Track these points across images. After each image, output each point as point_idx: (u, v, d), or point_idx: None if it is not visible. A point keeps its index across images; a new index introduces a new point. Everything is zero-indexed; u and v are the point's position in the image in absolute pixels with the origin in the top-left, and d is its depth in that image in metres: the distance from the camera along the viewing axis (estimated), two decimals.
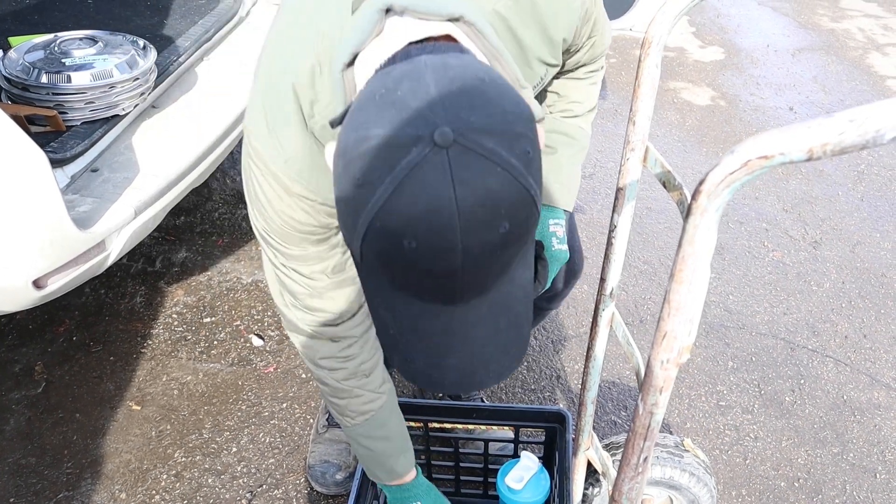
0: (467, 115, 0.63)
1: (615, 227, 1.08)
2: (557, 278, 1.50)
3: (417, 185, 0.61)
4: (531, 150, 0.67)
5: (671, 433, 1.92)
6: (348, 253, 1.09)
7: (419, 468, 1.39)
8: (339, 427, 1.78)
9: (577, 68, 1.22)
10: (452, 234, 0.62)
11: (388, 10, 0.77)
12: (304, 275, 1.06)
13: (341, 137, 0.69)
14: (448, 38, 0.77)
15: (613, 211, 1.07)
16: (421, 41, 0.75)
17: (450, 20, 0.77)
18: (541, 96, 1.25)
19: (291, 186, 0.95)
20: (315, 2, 0.90)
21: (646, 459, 0.79)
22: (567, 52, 1.08)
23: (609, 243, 1.10)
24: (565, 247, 1.27)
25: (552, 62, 1.03)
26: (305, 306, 1.10)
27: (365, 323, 1.17)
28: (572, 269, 1.53)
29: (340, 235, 1.06)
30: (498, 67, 0.78)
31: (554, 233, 1.26)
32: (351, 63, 0.78)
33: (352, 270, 1.10)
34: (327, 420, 1.80)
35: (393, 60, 0.72)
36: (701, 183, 0.57)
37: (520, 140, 0.65)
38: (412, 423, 1.62)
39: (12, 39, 2.14)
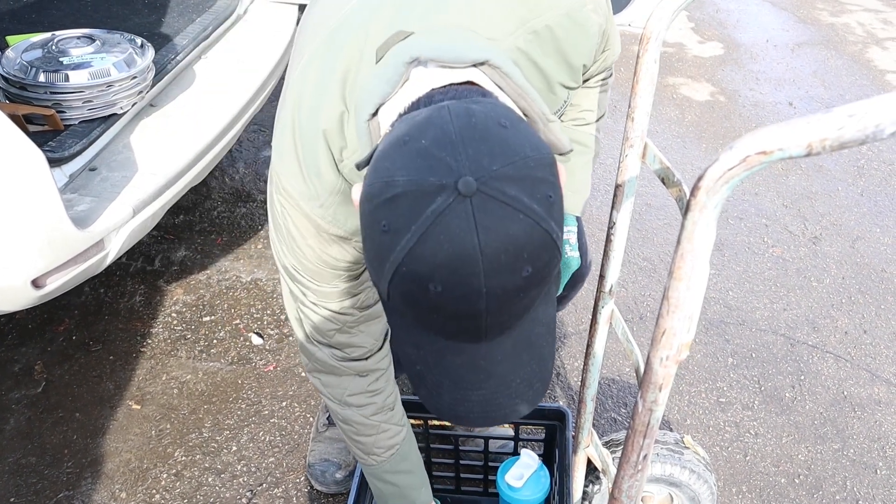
0: (489, 163, 0.65)
1: (614, 224, 1.07)
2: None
3: (442, 233, 0.64)
4: (552, 193, 0.68)
5: (671, 430, 1.92)
6: None
7: (438, 501, 1.40)
8: None
9: (588, 78, 1.22)
10: (476, 279, 0.64)
11: (412, 61, 0.78)
12: (334, 311, 1.07)
13: (367, 182, 0.70)
14: (470, 83, 0.78)
15: (612, 208, 1.07)
16: (444, 87, 0.76)
17: (475, 65, 0.79)
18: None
19: (328, 228, 0.96)
20: (338, 43, 0.91)
21: (645, 457, 0.79)
22: (585, 72, 1.09)
23: (608, 240, 1.10)
24: (577, 254, 1.28)
25: (573, 85, 1.04)
26: (335, 342, 1.11)
27: (391, 355, 1.19)
28: (580, 273, 1.53)
29: None
30: (524, 105, 0.80)
31: (567, 240, 1.27)
32: (376, 113, 0.80)
33: (381, 304, 1.12)
34: (328, 419, 1.80)
35: (416, 105, 0.75)
36: (699, 179, 0.57)
37: (541, 185, 0.67)
38: (412, 421, 1.62)
39: (10, 38, 2.13)
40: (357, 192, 0.76)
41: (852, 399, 2.04)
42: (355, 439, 1.23)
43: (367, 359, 1.14)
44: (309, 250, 0.99)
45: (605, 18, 1.02)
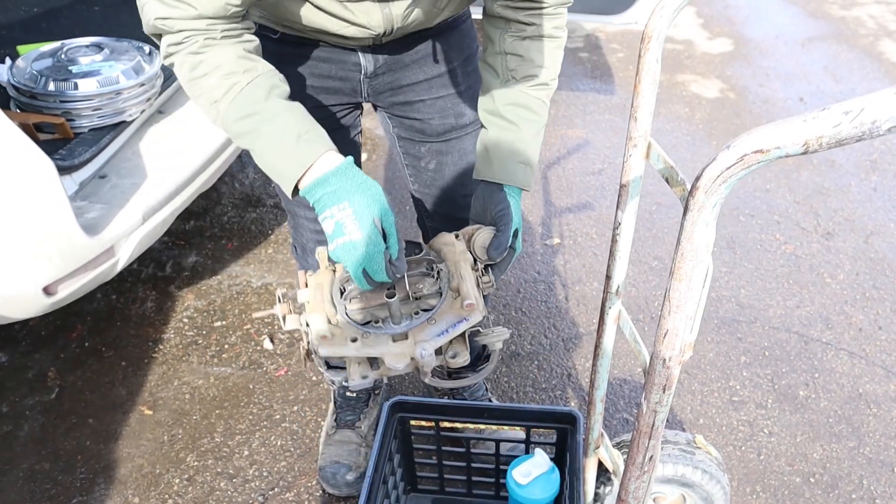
0: None
1: (619, 224, 1.07)
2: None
3: None
4: None
5: (683, 430, 1.91)
6: None
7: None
8: (349, 427, 1.79)
9: (540, 9, 1.18)
10: None
11: None
12: None
13: None
14: None
15: (617, 208, 1.06)
16: None
17: None
18: (503, 59, 1.23)
19: None
20: None
21: (651, 458, 0.78)
22: None
23: (613, 241, 1.10)
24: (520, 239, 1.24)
25: None
26: None
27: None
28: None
29: None
30: None
31: (520, 224, 1.23)
32: None
33: None
34: (335, 420, 1.80)
35: None
36: (697, 179, 0.56)
37: None
38: (423, 423, 1.62)
39: (20, 48, 2.16)
40: None
41: (868, 396, 2.02)
42: (190, 88, 1.07)
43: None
44: None
45: None
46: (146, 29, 1.06)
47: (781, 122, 0.51)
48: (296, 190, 1.05)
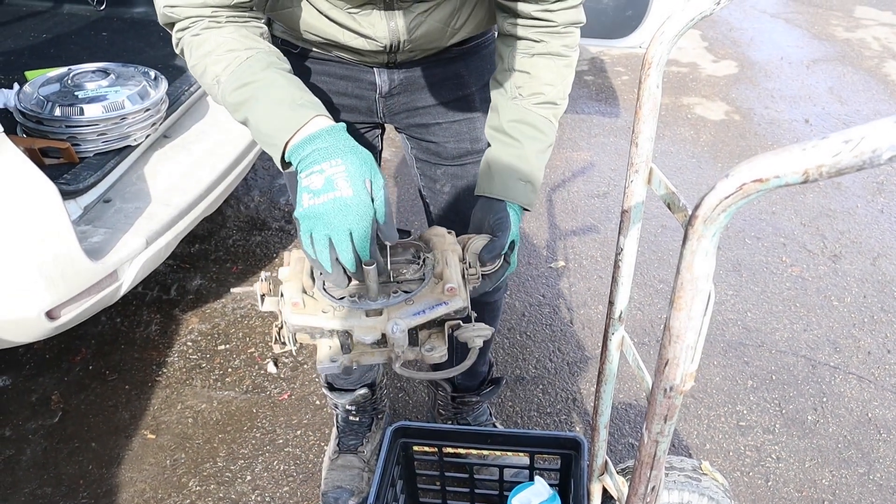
0: None
1: (622, 249, 1.06)
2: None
3: None
4: None
5: (689, 455, 1.88)
6: None
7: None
8: (352, 452, 1.77)
9: (550, 28, 1.18)
10: None
11: None
12: None
13: None
14: None
15: (620, 234, 1.06)
16: None
17: None
18: (511, 76, 1.22)
19: None
20: None
21: (653, 489, 0.77)
22: None
23: (616, 266, 1.09)
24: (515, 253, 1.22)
25: None
26: None
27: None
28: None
29: None
30: None
31: (517, 238, 1.22)
32: None
33: None
34: (338, 445, 1.79)
35: None
36: (696, 208, 0.56)
37: None
38: (426, 448, 1.60)
39: (28, 73, 2.18)
40: None
41: (877, 421, 2.00)
42: (195, 65, 1.10)
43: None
44: None
45: None
46: (160, 19, 1.12)
47: (780, 150, 0.50)
48: (283, 161, 1.04)
